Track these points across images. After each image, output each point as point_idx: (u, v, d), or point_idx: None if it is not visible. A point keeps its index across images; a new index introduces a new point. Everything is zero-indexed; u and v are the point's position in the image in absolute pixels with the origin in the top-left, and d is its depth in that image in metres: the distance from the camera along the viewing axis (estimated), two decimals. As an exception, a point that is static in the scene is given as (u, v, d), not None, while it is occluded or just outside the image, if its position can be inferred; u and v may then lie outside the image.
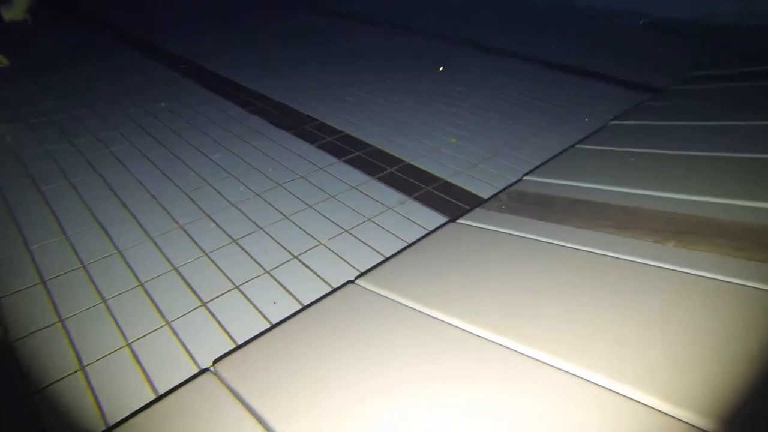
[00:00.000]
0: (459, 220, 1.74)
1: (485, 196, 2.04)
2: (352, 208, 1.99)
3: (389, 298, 1.31)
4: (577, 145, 2.35)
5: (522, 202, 1.81)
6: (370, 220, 1.91)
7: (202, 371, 1.18)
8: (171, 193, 2.09)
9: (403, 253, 1.58)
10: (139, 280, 1.57)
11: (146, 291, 1.53)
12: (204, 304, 1.48)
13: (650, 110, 2.70)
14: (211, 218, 1.91)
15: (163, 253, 1.71)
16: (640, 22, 4.69)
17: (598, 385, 0.96)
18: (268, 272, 1.62)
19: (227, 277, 1.60)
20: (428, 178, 2.22)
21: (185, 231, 1.83)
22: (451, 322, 1.19)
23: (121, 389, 1.18)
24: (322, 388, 1.05)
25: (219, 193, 2.10)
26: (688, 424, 0.85)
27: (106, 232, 1.81)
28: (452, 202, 2.02)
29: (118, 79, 3.49)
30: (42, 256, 1.68)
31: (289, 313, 1.41)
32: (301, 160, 2.38)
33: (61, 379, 1.21)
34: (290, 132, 2.70)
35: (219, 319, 1.43)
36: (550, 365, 1.02)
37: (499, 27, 5.24)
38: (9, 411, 1.14)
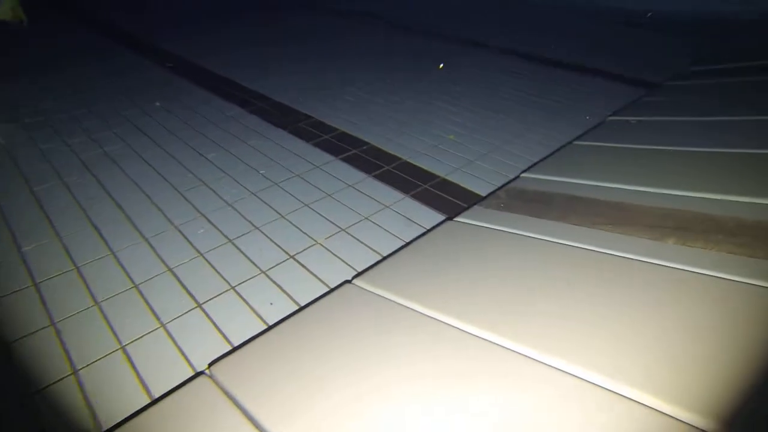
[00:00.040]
0: (456, 218, 1.73)
1: (483, 194, 2.02)
2: (348, 206, 1.97)
3: (386, 298, 1.30)
4: (575, 142, 2.34)
5: (520, 200, 1.79)
6: (366, 218, 1.89)
7: (197, 374, 1.17)
8: (166, 193, 2.07)
9: (400, 252, 1.56)
10: (133, 282, 1.55)
11: (141, 293, 1.51)
12: (199, 305, 1.46)
13: (647, 106, 2.69)
14: (206, 218, 1.89)
15: (157, 254, 1.69)
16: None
17: (595, 384, 0.95)
18: (264, 272, 1.61)
19: (223, 277, 1.58)
20: (425, 176, 2.21)
21: (180, 231, 1.81)
22: (449, 322, 1.17)
23: (115, 394, 1.16)
24: (318, 389, 1.04)
25: (214, 192, 2.08)
26: (686, 423, 0.84)
27: (100, 234, 1.79)
28: (450, 200, 2.01)
29: (116, 79, 3.46)
30: (34, 257, 1.65)
31: (286, 314, 1.39)
32: (297, 159, 2.36)
33: (53, 384, 1.19)
34: (286, 130, 2.68)
35: (215, 320, 1.41)
36: (548, 364, 1.01)
37: (498, 25, 5.23)
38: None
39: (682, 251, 1.26)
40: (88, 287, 1.52)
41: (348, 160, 2.35)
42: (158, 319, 1.41)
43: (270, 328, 1.34)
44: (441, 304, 1.25)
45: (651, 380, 0.94)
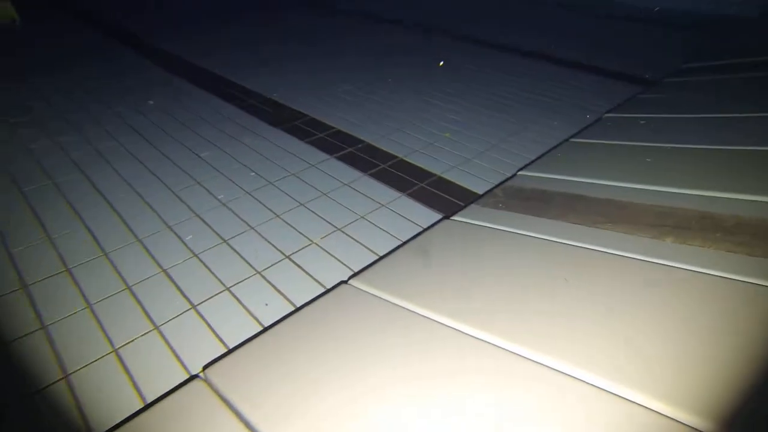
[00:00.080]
0: (453, 217, 1.71)
1: (480, 192, 2.01)
2: (344, 205, 1.95)
3: (382, 299, 1.28)
4: (572, 139, 2.33)
5: (517, 198, 1.78)
6: (363, 217, 1.88)
7: (192, 377, 1.15)
8: (159, 192, 2.04)
9: (396, 251, 1.55)
10: (126, 284, 1.53)
11: (134, 294, 1.49)
12: (194, 307, 1.44)
13: (644, 103, 2.69)
14: (200, 218, 1.87)
15: (151, 255, 1.66)
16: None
17: (592, 385, 0.94)
18: (259, 273, 1.59)
19: (218, 278, 1.56)
20: (422, 174, 2.19)
21: (174, 232, 1.79)
22: (446, 323, 1.16)
23: (107, 398, 1.14)
24: (314, 392, 1.02)
25: (209, 191, 2.05)
26: (685, 425, 0.84)
27: (92, 234, 1.76)
28: (446, 199, 1.99)
29: (113, 78, 3.40)
30: (23, 259, 1.63)
31: (282, 315, 1.37)
32: (292, 157, 2.34)
33: (43, 389, 1.17)
34: (281, 129, 2.65)
35: (209, 322, 1.39)
36: (546, 365, 1.00)
37: (496, 22, 5.21)
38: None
39: (681, 250, 1.26)
40: (79, 289, 1.50)
41: (343, 159, 2.33)
42: (152, 321, 1.39)
43: (265, 329, 1.33)
44: (438, 304, 1.23)
45: (649, 380, 0.93)
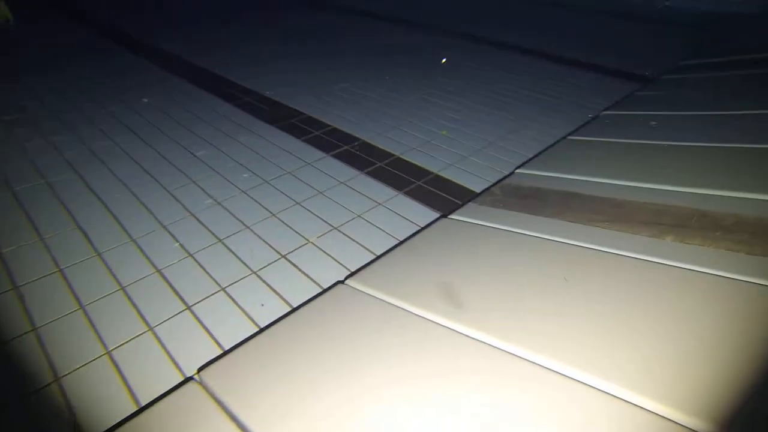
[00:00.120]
0: (451, 216, 1.70)
1: (477, 190, 2.00)
2: (341, 204, 1.94)
3: (380, 299, 1.27)
4: (569, 137, 2.31)
5: (515, 196, 1.77)
6: (359, 216, 1.86)
7: (186, 380, 1.13)
8: (154, 191, 2.01)
9: (393, 251, 1.53)
10: (120, 284, 1.51)
11: (128, 295, 1.47)
12: (189, 307, 1.43)
13: (642, 100, 2.68)
14: (195, 217, 1.84)
15: (145, 255, 1.64)
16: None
17: (590, 386, 0.93)
18: (255, 273, 1.57)
19: (213, 278, 1.54)
20: (419, 172, 2.18)
21: (169, 231, 1.77)
22: (444, 323, 1.15)
23: (100, 401, 1.12)
24: (310, 393, 1.01)
25: (204, 190, 2.03)
26: (683, 426, 0.83)
27: (85, 234, 1.74)
28: (444, 197, 1.98)
29: (107, 78, 3.36)
30: (15, 259, 1.60)
31: (278, 316, 1.36)
32: (288, 156, 2.32)
33: (34, 392, 1.15)
34: (278, 127, 2.63)
35: (204, 323, 1.37)
36: (543, 366, 0.99)
37: (495, 21, 5.19)
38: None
39: (681, 249, 1.25)
40: (72, 290, 1.47)
41: (340, 157, 2.31)
42: (146, 322, 1.37)
43: (261, 330, 1.31)
44: (436, 304, 1.22)
45: (647, 381, 0.92)
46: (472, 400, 0.94)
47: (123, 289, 1.49)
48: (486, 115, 2.79)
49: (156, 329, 1.34)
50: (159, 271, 1.57)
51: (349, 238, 1.74)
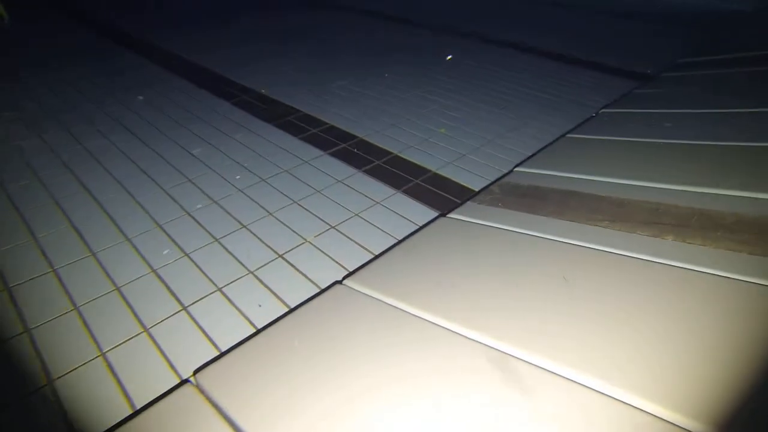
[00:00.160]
0: (450, 215, 1.68)
1: (476, 189, 1.99)
2: (338, 203, 1.92)
3: (378, 300, 1.26)
4: (568, 135, 2.30)
5: (514, 195, 1.76)
6: (357, 215, 1.84)
7: (182, 383, 1.11)
8: (149, 190, 1.99)
9: (392, 250, 1.52)
10: (115, 285, 1.49)
11: (123, 296, 1.45)
12: (185, 308, 1.41)
13: (641, 98, 2.67)
14: (191, 216, 1.82)
15: (141, 255, 1.62)
16: None
17: (590, 387, 0.92)
18: (252, 273, 1.55)
19: (209, 278, 1.53)
20: (417, 171, 2.16)
21: (164, 230, 1.75)
22: (444, 325, 1.13)
23: (95, 404, 1.11)
24: (308, 396, 1.00)
25: (200, 189, 2.01)
26: (684, 428, 0.82)
27: (79, 233, 1.72)
28: (442, 195, 1.96)
29: (105, 77, 3.32)
30: (7, 260, 1.58)
31: (275, 317, 1.34)
32: (285, 154, 2.30)
33: (27, 395, 1.13)
34: (275, 125, 2.60)
35: (201, 324, 1.35)
36: (542, 368, 0.98)
37: (495, 19, 5.17)
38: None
39: (681, 248, 1.24)
40: (66, 290, 1.45)
41: (337, 155, 2.29)
42: (141, 323, 1.35)
43: (258, 331, 1.29)
44: (435, 305, 1.21)
45: (647, 383, 0.91)
46: (471, 402, 0.93)
47: (118, 289, 1.47)
48: (486, 113, 2.78)
49: (151, 330, 1.32)
50: (155, 271, 1.55)
51: (347, 237, 1.72)
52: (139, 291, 1.47)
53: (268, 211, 1.87)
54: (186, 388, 1.06)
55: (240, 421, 0.96)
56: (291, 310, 1.35)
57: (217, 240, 1.70)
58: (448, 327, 1.13)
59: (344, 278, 1.39)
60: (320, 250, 1.66)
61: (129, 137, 2.44)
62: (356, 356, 1.08)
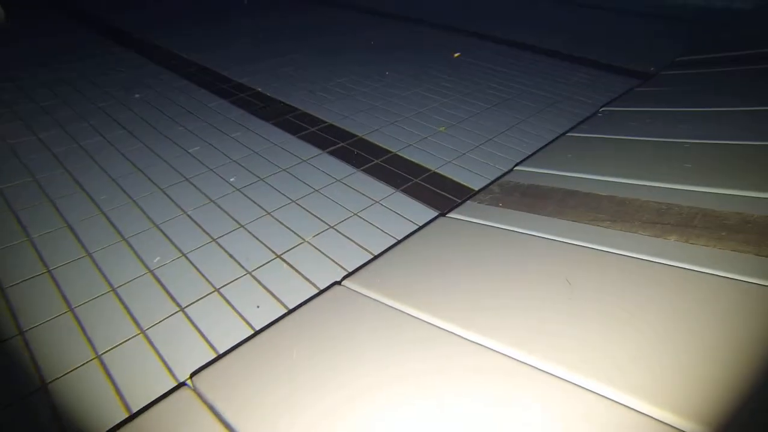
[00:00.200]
0: (449, 214, 1.67)
1: (476, 188, 1.97)
2: (337, 202, 1.90)
3: (378, 301, 1.24)
4: (568, 133, 2.29)
5: (514, 194, 1.74)
6: (356, 215, 1.83)
7: (179, 386, 1.10)
8: (146, 189, 1.97)
9: (391, 251, 1.50)
10: (111, 285, 1.47)
11: (118, 297, 1.43)
12: (182, 309, 1.39)
13: (641, 96, 2.65)
14: (188, 215, 1.80)
15: (137, 255, 1.60)
16: None
17: (591, 391, 0.91)
18: (250, 273, 1.53)
19: (207, 279, 1.51)
20: (416, 170, 2.14)
21: (161, 230, 1.73)
22: (444, 327, 1.12)
23: (90, 408, 1.09)
24: (306, 399, 0.98)
25: (197, 188, 1.99)
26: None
27: (75, 234, 1.69)
28: (442, 195, 1.95)
29: (102, 75, 3.28)
30: (1, 260, 1.55)
31: (273, 318, 1.33)
32: (283, 153, 2.28)
33: (21, 399, 1.11)
34: (273, 123, 2.58)
35: (198, 325, 1.34)
36: (544, 370, 0.96)
37: (495, 18, 5.15)
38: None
39: (685, 249, 1.22)
40: (61, 291, 1.43)
41: (336, 154, 2.27)
42: (137, 325, 1.33)
43: (256, 333, 1.28)
44: (435, 307, 1.19)
45: (651, 387, 0.90)
46: (472, 403, 0.92)
47: (114, 290, 1.45)
48: (485, 111, 2.76)
49: (148, 332, 1.31)
50: (151, 271, 1.53)
51: (346, 237, 1.70)
52: (135, 292, 1.45)
53: (266, 211, 1.85)
54: (183, 392, 1.04)
55: (238, 426, 0.94)
56: (289, 312, 1.33)
57: (214, 240, 1.68)
58: (448, 328, 1.11)
59: (343, 279, 1.38)
60: (319, 250, 1.64)
61: (126, 136, 2.42)
62: (356, 359, 1.07)
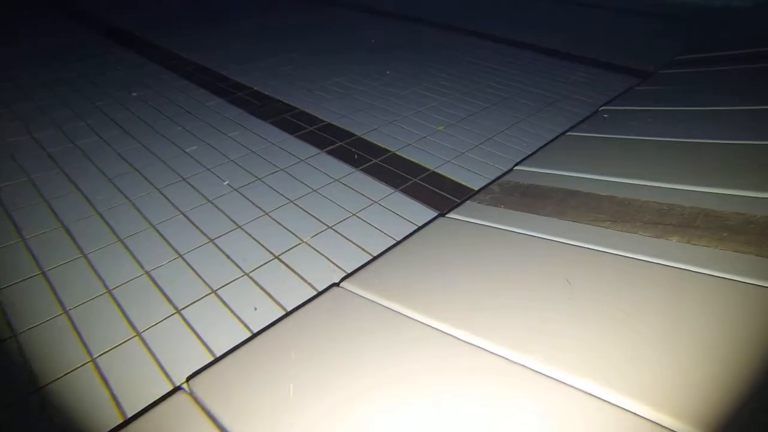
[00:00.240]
0: (449, 215, 1.65)
1: (476, 188, 1.95)
2: (335, 202, 1.88)
3: (377, 303, 1.22)
4: (568, 133, 2.27)
5: (514, 194, 1.73)
6: (354, 215, 1.81)
7: (175, 390, 1.08)
8: (142, 189, 1.95)
9: (390, 252, 1.49)
10: (106, 287, 1.45)
11: (114, 298, 1.41)
12: (178, 311, 1.37)
13: (641, 95, 2.64)
14: (185, 216, 1.78)
15: (133, 256, 1.58)
16: None
17: (591, 394, 0.89)
18: (247, 274, 1.52)
19: (203, 280, 1.49)
20: (415, 169, 2.12)
21: (158, 231, 1.71)
22: (444, 329, 1.10)
23: (84, 412, 1.07)
24: (305, 403, 0.97)
25: (194, 188, 1.97)
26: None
27: (70, 234, 1.67)
28: (441, 195, 1.93)
29: (100, 74, 3.25)
30: (-3, 262, 1.54)
31: (271, 320, 1.31)
32: (281, 152, 2.26)
33: (13, 403, 1.09)
34: (270, 122, 2.56)
35: (195, 328, 1.32)
36: (548, 375, 0.95)
37: (494, 16, 5.13)
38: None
39: (687, 250, 1.21)
40: (55, 293, 1.41)
41: (334, 153, 2.25)
42: (133, 327, 1.31)
43: (254, 336, 1.26)
44: (435, 309, 1.18)
45: (652, 390, 0.89)
46: (474, 408, 0.90)
47: (109, 292, 1.43)
48: (484, 110, 2.74)
49: (144, 335, 1.29)
50: (147, 273, 1.51)
51: (344, 237, 1.69)
52: (131, 293, 1.43)
53: (263, 211, 1.83)
54: (179, 396, 1.03)
55: (235, 431, 0.93)
56: (287, 314, 1.31)
57: (211, 240, 1.67)
58: (448, 331, 1.10)
59: (342, 280, 1.36)
60: (317, 251, 1.62)
61: (123, 135, 2.40)
62: (355, 362, 1.05)
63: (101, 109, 2.69)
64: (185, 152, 2.25)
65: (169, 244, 1.64)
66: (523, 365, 0.98)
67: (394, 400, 0.95)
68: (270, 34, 4.30)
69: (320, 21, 4.82)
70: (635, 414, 0.85)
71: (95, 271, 1.51)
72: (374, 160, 2.19)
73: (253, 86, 3.08)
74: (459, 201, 1.81)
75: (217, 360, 1.15)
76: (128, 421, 1.00)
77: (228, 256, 1.59)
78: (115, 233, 1.69)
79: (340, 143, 2.34)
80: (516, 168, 1.98)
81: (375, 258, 1.52)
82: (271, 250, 1.62)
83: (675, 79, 2.81)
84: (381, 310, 1.20)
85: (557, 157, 2.00)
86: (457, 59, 3.61)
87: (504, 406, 0.90)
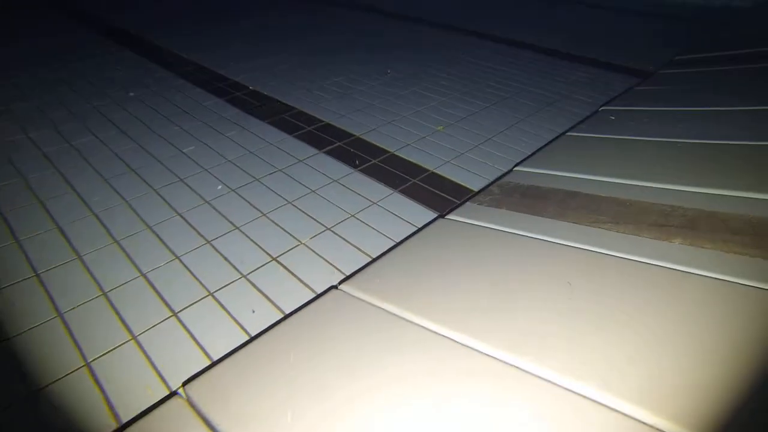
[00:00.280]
0: (448, 216, 1.64)
1: (475, 189, 1.94)
2: (334, 203, 1.87)
3: (376, 306, 1.21)
4: (568, 133, 2.26)
5: (514, 195, 1.71)
6: (353, 216, 1.79)
7: (170, 395, 1.06)
8: (139, 190, 1.93)
9: (389, 254, 1.47)
10: (102, 289, 1.43)
11: (109, 301, 1.39)
12: (175, 314, 1.35)
13: (641, 95, 2.63)
14: (182, 217, 1.77)
15: (129, 258, 1.56)
16: None
17: (592, 399, 0.88)
18: (245, 276, 1.50)
19: (200, 282, 1.47)
20: (415, 170, 2.11)
21: (154, 232, 1.69)
22: (444, 333, 1.09)
23: (78, 418, 1.05)
24: (303, 408, 0.95)
25: (192, 189, 1.95)
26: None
27: (65, 235, 1.65)
28: (441, 195, 1.92)
29: (98, 74, 3.23)
30: (-9, 264, 1.52)
31: (269, 324, 1.29)
32: (279, 152, 2.24)
33: (7, 407, 1.08)
34: (269, 122, 2.54)
35: (191, 331, 1.30)
36: (549, 380, 0.94)
37: (494, 16, 5.11)
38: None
39: (690, 252, 1.20)
40: (49, 296, 1.40)
41: (333, 153, 2.23)
42: (129, 330, 1.29)
43: (252, 339, 1.24)
44: (434, 312, 1.16)
45: (651, 390, 0.88)
46: (473, 410, 0.89)
47: (105, 294, 1.41)
48: (484, 110, 2.73)
49: (139, 338, 1.27)
50: (144, 275, 1.49)
51: (343, 239, 1.67)
52: (127, 296, 1.41)
53: (261, 212, 1.81)
54: (174, 401, 1.01)
55: (231, 437, 0.91)
56: (286, 317, 1.30)
57: (208, 242, 1.65)
58: (446, 334, 1.08)
59: (340, 282, 1.34)
60: (315, 252, 1.60)
61: (120, 135, 2.38)
62: (354, 366, 1.03)
63: (99, 110, 2.67)
64: (182, 152, 2.23)
65: (166, 245, 1.62)
66: (518, 368, 0.97)
67: (392, 403, 0.93)
68: (270, 34, 4.28)
69: (319, 21, 4.80)
70: (633, 418, 0.83)
71: (90, 273, 1.49)
72: (373, 161, 2.17)
73: (251, 85, 3.06)
74: (459, 202, 1.79)
75: (213, 364, 1.13)
76: (123, 428, 0.98)
77: (225, 258, 1.57)
78: (111, 235, 1.67)
79: (338, 143, 2.33)
80: (516, 168, 1.97)
81: (374, 260, 1.50)
82: (269, 252, 1.60)
83: (675, 79, 2.80)
84: (380, 313, 1.18)
85: (557, 158, 1.99)
86: (457, 59, 3.59)
87: (501, 408, 0.89)
